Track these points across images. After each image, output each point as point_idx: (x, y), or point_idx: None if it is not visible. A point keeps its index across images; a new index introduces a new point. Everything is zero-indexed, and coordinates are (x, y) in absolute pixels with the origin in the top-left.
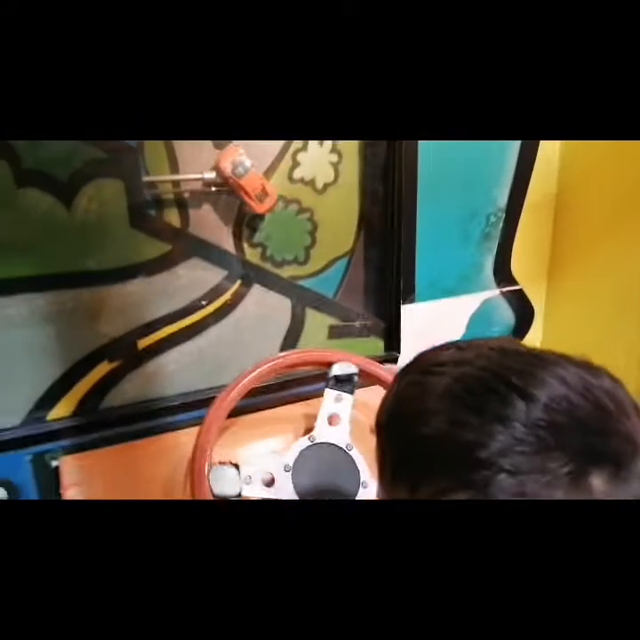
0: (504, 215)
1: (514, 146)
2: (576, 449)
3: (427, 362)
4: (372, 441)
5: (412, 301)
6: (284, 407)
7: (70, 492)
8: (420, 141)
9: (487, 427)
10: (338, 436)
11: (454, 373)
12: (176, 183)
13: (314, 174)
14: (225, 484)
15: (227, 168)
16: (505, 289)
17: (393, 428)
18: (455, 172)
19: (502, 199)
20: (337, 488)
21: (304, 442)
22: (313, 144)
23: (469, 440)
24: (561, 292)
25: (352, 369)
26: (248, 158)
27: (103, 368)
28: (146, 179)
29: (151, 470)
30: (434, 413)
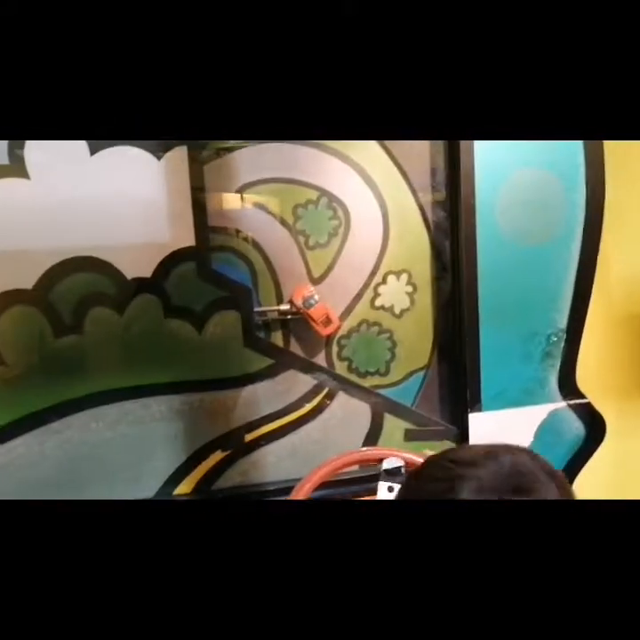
0: (565, 335)
1: (570, 271)
2: (502, 490)
3: (439, 459)
4: None
5: (479, 410)
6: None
7: None
8: (479, 275)
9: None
10: None
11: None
12: (280, 312)
13: (392, 302)
14: None
15: (298, 301)
16: (571, 402)
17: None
18: (514, 298)
19: (562, 321)
20: None
21: None
22: (391, 278)
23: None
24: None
25: (399, 462)
26: (316, 294)
27: (217, 456)
28: (256, 309)
29: None
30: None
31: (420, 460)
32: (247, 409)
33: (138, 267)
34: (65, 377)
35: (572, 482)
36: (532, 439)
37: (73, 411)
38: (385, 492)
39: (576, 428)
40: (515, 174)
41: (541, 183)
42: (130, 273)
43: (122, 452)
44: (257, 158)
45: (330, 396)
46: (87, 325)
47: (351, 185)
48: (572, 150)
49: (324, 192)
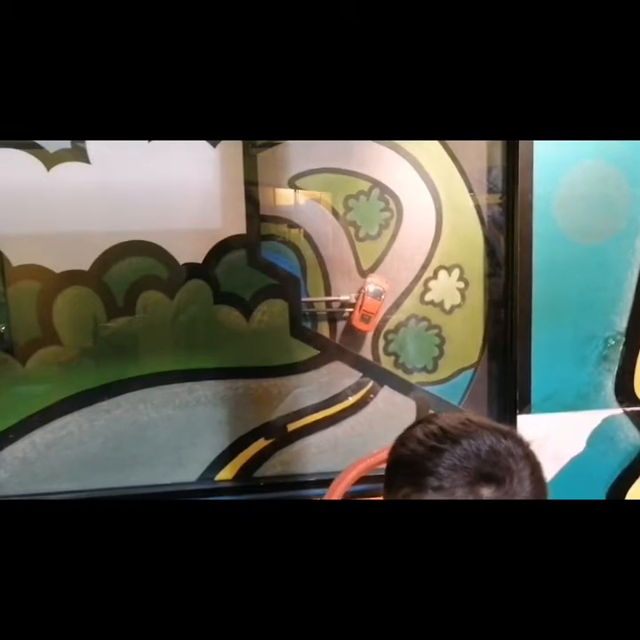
0: (624, 339)
1: (632, 271)
2: (473, 472)
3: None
4: None
5: (528, 412)
6: None
7: None
8: (534, 273)
9: (434, 459)
10: None
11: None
12: (328, 303)
13: (442, 297)
14: None
15: (368, 285)
16: (628, 409)
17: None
18: (571, 297)
19: (621, 324)
20: None
21: None
22: (443, 273)
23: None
24: None
25: None
26: (384, 292)
27: (260, 444)
28: (303, 299)
29: None
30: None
31: None
32: (291, 399)
33: (190, 253)
34: (115, 358)
35: (625, 494)
36: (584, 445)
37: (122, 391)
38: None
39: (632, 437)
40: (575, 168)
41: (603, 177)
42: (182, 258)
43: (167, 435)
44: (309, 149)
45: (374, 390)
46: (139, 309)
47: (405, 177)
48: (637, 142)
49: (376, 183)
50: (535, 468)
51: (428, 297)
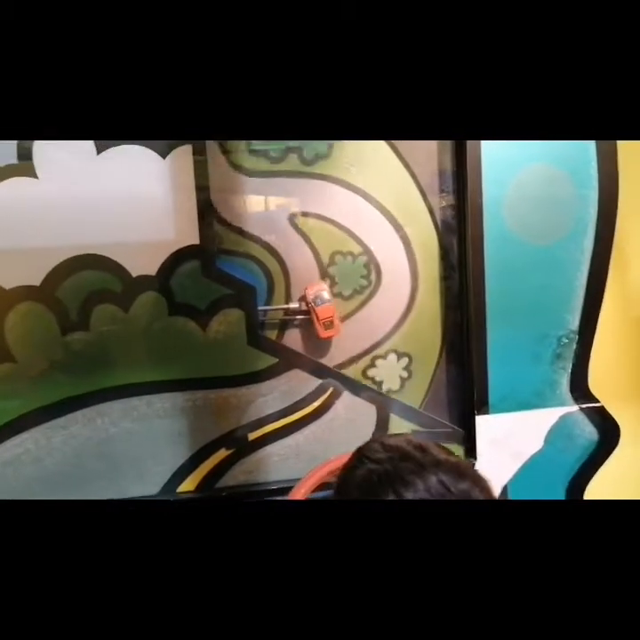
0: (577, 337)
1: (582, 270)
2: None
3: (363, 450)
4: None
5: (486, 412)
6: None
7: None
8: (486, 274)
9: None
10: None
11: (371, 468)
12: (286, 311)
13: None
14: None
15: (310, 296)
16: (584, 406)
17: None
18: (524, 297)
19: (574, 322)
20: None
21: None
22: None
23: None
24: None
25: None
26: (327, 293)
27: (221, 454)
28: (260, 308)
29: None
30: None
31: None
32: (251, 408)
33: (143, 265)
34: (71, 373)
35: (583, 489)
36: (542, 443)
37: (79, 407)
38: None
39: (588, 432)
40: (523, 171)
41: (551, 179)
42: (135, 271)
43: (126, 449)
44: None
45: (334, 396)
46: (93, 323)
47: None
48: (583, 144)
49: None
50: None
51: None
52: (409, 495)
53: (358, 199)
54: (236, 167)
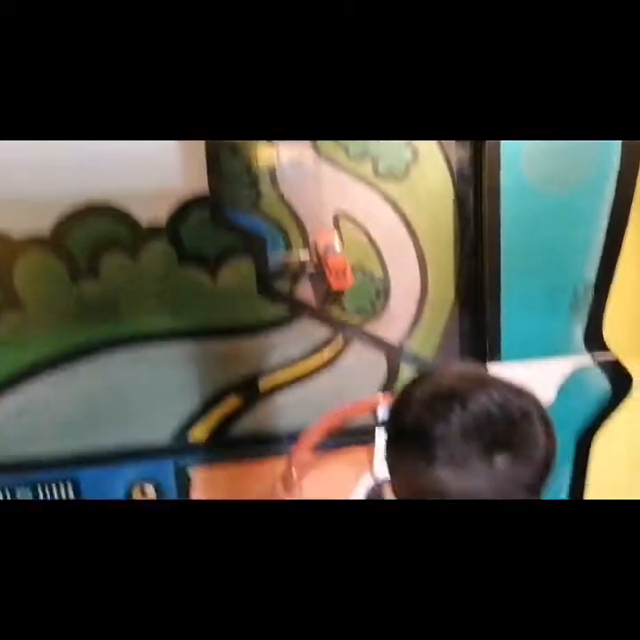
0: (593, 288)
1: (602, 220)
2: (486, 439)
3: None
4: None
5: (498, 360)
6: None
7: (196, 494)
8: (502, 224)
9: (442, 425)
10: None
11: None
12: (297, 262)
13: None
14: None
15: (320, 247)
16: (598, 358)
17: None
18: (540, 248)
19: (590, 273)
20: None
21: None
22: None
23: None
24: None
25: None
26: (339, 244)
27: (232, 402)
28: (271, 257)
29: (257, 485)
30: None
31: None
32: (261, 357)
33: (153, 214)
34: (81, 322)
35: (591, 438)
36: (554, 393)
37: (91, 354)
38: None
39: (601, 385)
40: None
41: None
42: (145, 220)
43: (136, 397)
44: None
45: (344, 347)
46: (102, 272)
47: None
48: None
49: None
50: (549, 428)
51: None
52: (474, 407)
53: None
54: None
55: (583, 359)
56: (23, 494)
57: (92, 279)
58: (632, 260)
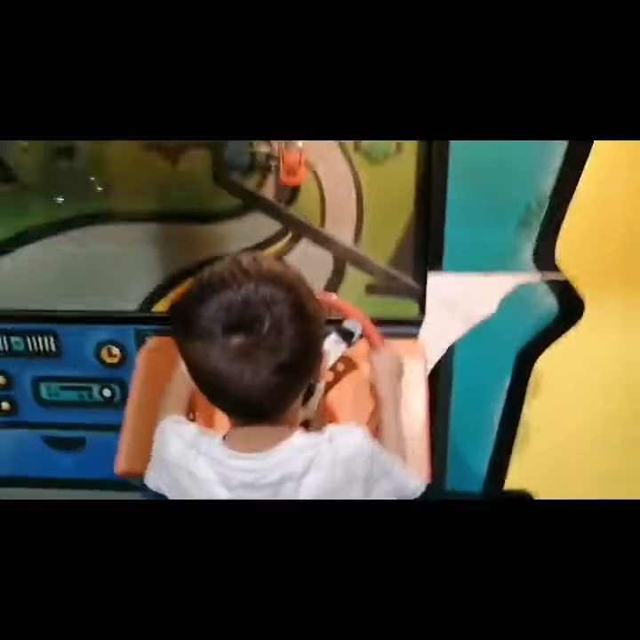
0: (549, 203)
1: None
2: (224, 322)
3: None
4: None
5: (439, 270)
6: None
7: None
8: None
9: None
10: None
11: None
12: (256, 153)
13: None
14: None
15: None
16: (545, 276)
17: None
18: (492, 157)
19: (548, 187)
20: None
21: None
22: None
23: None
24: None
25: (358, 329)
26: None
27: (189, 284)
28: (229, 148)
29: None
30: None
31: (373, 334)
32: (214, 245)
33: None
34: (54, 199)
35: (533, 362)
36: (495, 308)
37: (72, 227)
38: (331, 343)
39: (548, 303)
40: None
41: None
42: None
43: (110, 269)
44: None
45: (293, 242)
46: (80, 152)
47: None
48: None
49: None
50: (302, 316)
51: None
52: (222, 293)
53: None
54: None
55: (530, 277)
56: (16, 343)
57: (70, 158)
58: (596, 174)
